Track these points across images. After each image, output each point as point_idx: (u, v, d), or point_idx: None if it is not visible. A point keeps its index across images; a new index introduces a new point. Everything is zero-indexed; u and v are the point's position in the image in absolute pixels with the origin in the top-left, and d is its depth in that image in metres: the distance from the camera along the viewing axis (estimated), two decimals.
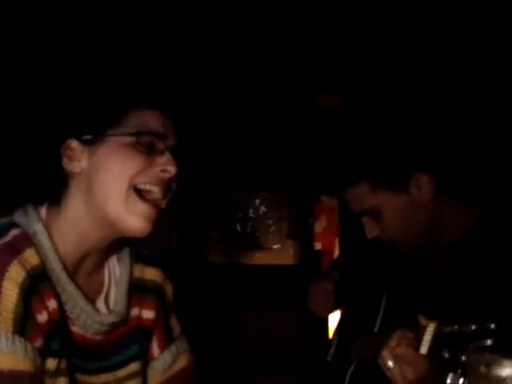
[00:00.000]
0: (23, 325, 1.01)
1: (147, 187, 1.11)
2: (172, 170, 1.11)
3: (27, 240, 1.07)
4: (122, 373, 1.20)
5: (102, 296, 1.18)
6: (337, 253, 3.82)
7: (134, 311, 1.24)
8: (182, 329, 1.34)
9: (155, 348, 1.28)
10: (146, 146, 1.11)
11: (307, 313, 1.86)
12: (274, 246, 3.79)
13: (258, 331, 3.17)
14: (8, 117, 3.11)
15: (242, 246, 3.73)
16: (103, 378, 1.17)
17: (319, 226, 3.87)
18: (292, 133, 3.69)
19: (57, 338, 1.07)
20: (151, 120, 1.12)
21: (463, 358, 1.11)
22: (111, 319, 1.15)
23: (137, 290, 1.24)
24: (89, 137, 1.11)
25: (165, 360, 1.28)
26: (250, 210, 3.76)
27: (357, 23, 3.13)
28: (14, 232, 1.07)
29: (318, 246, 3.87)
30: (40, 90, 1.18)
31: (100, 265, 1.19)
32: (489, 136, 2.86)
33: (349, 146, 1.53)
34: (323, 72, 3.49)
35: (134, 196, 1.10)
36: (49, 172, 1.13)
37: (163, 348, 1.28)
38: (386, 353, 1.24)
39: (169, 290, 1.32)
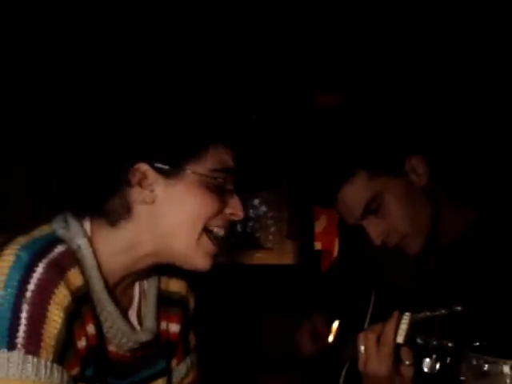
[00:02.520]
0: (64, 353, 0.97)
1: (216, 230, 1.09)
2: (241, 215, 1.11)
3: (72, 258, 1.01)
4: None
5: (134, 310, 1.15)
6: (337, 253, 3.82)
7: (162, 325, 1.22)
8: (197, 342, 1.32)
9: (174, 360, 1.26)
10: (220, 186, 1.08)
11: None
12: (274, 246, 3.79)
13: (257, 331, 3.17)
14: (11, 119, 3.13)
15: (242, 246, 3.73)
16: None
17: (319, 226, 3.87)
18: (292, 133, 3.69)
19: (92, 364, 1.04)
20: (228, 157, 1.10)
21: (434, 342, 1.12)
22: (146, 337, 1.12)
23: (163, 303, 1.22)
24: (165, 166, 1.05)
25: (180, 372, 1.27)
26: (250, 210, 3.76)
27: (357, 23, 3.13)
28: (59, 248, 1.00)
29: (318, 245, 3.88)
30: (117, 106, 1.08)
31: (133, 284, 1.16)
32: (486, 135, 2.86)
33: (339, 140, 1.50)
34: (323, 72, 3.50)
35: (206, 238, 1.08)
36: (107, 190, 1.06)
37: (180, 361, 1.27)
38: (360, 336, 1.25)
39: (192, 301, 1.30)
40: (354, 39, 3.21)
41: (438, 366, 1.12)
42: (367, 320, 1.60)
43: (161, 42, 3.09)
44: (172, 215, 1.06)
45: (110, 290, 1.07)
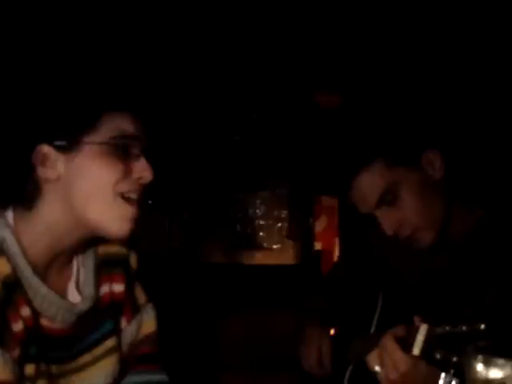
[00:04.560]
0: (0, 336, 1.02)
1: (127, 194, 1.12)
2: (149, 176, 1.13)
3: None
4: (99, 351, 1.21)
5: (73, 282, 1.18)
6: (337, 253, 3.83)
7: (105, 288, 1.24)
8: (148, 297, 1.34)
9: (123, 321, 1.28)
10: (122, 151, 1.11)
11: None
12: (274, 246, 3.79)
13: (258, 331, 3.17)
14: None
15: (242, 246, 3.74)
16: (81, 360, 1.18)
17: (319, 226, 3.87)
18: (292, 133, 3.69)
19: (33, 344, 1.08)
20: (124, 123, 1.12)
21: (455, 358, 1.11)
22: (85, 307, 1.16)
23: (105, 266, 1.25)
24: (63, 143, 1.10)
25: (131, 331, 1.29)
26: (250, 210, 3.76)
27: (356, 23, 3.13)
28: None
29: (317, 245, 3.88)
30: (9, 90, 1.13)
31: (70, 259, 1.19)
32: (496, 133, 2.87)
33: (359, 126, 1.52)
34: (323, 71, 3.50)
35: (120, 202, 1.11)
36: (19, 177, 1.11)
37: (130, 319, 1.29)
38: (371, 357, 1.24)
39: (133, 259, 1.31)
40: (354, 38, 3.21)
41: (454, 382, 1.11)
42: (374, 323, 1.60)
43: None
44: (78, 188, 1.10)
45: (41, 272, 1.11)
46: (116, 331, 1.25)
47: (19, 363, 1.05)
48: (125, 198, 1.12)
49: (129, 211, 1.12)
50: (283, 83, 3.61)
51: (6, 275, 1.05)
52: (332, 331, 1.75)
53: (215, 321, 3.17)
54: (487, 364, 0.88)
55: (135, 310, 1.30)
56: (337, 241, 3.85)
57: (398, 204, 1.44)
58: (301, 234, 3.82)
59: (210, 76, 3.49)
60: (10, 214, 1.12)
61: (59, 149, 1.10)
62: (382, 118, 1.52)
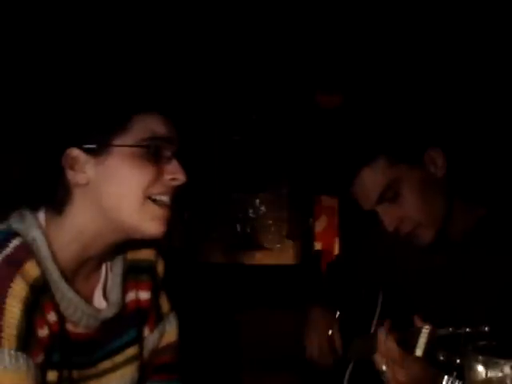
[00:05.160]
0: (26, 341, 0.99)
1: (159, 197, 1.10)
2: (181, 177, 1.11)
3: (28, 250, 1.04)
4: (119, 358, 1.20)
5: (100, 288, 1.17)
6: (337, 253, 3.83)
7: (131, 295, 1.23)
8: (172, 306, 1.33)
9: (146, 329, 1.27)
10: (153, 154, 1.09)
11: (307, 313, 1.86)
12: (274, 246, 3.79)
13: (257, 331, 3.17)
14: (8, 117, 3.12)
15: (242, 246, 3.74)
16: (102, 366, 1.17)
17: (319, 226, 3.87)
18: (292, 133, 3.69)
19: (57, 350, 1.06)
20: (156, 125, 1.10)
21: (458, 360, 1.11)
22: (111, 313, 1.15)
23: (132, 272, 1.23)
24: (93, 146, 1.07)
25: (153, 339, 1.27)
26: (250, 210, 3.76)
27: (357, 23, 3.13)
28: (14, 242, 1.04)
29: (318, 245, 3.88)
30: (39, 94, 1.12)
31: (98, 264, 1.18)
32: (497, 132, 2.88)
33: (362, 124, 1.53)
34: (324, 72, 3.50)
35: (150, 204, 1.09)
36: (49, 180, 1.09)
37: (153, 328, 1.28)
38: (378, 358, 1.25)
39: (160, 267, 1.30)
40: (355, 39, 3.21)
41: (457, 383, 1.12)
42: (375, 321, 1.61)
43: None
44: (109, 191, 1.08)
45: (69, 277, 1.09)
46: (139, 340, 1.23)
47: (42, 369, 1.03)
48: (156, 200, 1.10)
49: (160, 212, 1.10)
50: (283, 83, 3.61)
51: (35, 278, 1.03)
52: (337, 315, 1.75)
53: (214, 321, 3.17)
54: (487, 364, 0.88)
55: (159, 319, 1.29)
56: (337, 241, 3.85)
57: (400, 201, 1.45)
58: (301, 233, 3.82)
59: (209, 76, 3.49)
60: (41, 216, 1.10)
61: (89, 152, 1.07)
62: (385, 116, 1.54)
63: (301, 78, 3.58)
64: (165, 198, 1.11)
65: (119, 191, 1.08)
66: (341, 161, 1.51)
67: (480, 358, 0.89)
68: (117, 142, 1.08)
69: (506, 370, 0.87)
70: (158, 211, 1.10)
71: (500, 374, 0.88)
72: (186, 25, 3.16)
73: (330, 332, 1.73)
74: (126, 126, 1.08)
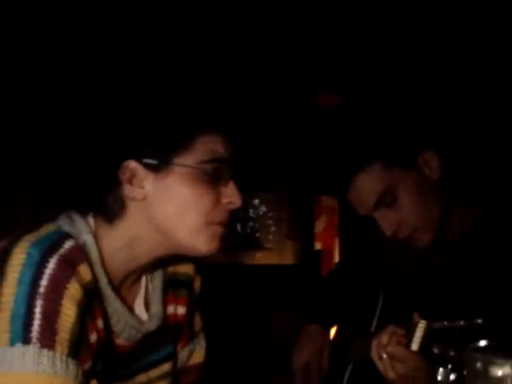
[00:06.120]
0: (77, 347, 0.96)
1: (216, 227, 1.09)
2: (238, 202, 1.09)
3: (81, 253, 1.01)
4: (155, 373, 1.17)
5: (141, 299, 1.15)
6: (337, 253, 3.83)
7: (170, 309, 1.20)
8: (203, 325, 1.31)
9: (179, 345, 1.25)
10: (213, 176, 1.06)
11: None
12: (274, 246, 3.80)
13: (257, 331, 3.17)
14: (11, 118, 3.13)
15: (242, 246, 3.74)
16: (138, 379, 1.14)
17: (319, 226, 3.88)
18: (292, 133, 3.69)
19: (101, 359, 1.03)
20: (217, 146, 1.07)
21: (452, 353, 1.11)
22: (153, 326, 1.12)
23: (172, 286, 1.21)
24: (153, 161, 1.04)
25: (182, 357, 1.26)
26: (250, 210, 3.76)
27: (357, 23, 3.13)
28: (68, 243, 1.00)
29: (317, 245, 3.88)
30: (108, 102, 1.08)
31: (140, 275, 1.15)
32: (492, 133, 2.88)
33: (357, 128, 1.52)
34: (324, 72, 3.50)
35: (209, 228, 1.08)
36: (103, 189, 1.06)
37: (184, 345, 1.26)
38: (375, 349, 1.24)
39: (197, 283, 1.28)
40: (355, 39, 3.22)
41: (452, 376, 1.12)
42: (374, 322, 1.61)
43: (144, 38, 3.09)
44: (167, 210, 1.05)
45: (115, 286, 1.07)
46: (174, 355, 1.21)
47: (87, 377, 0.99)
48: (215, 223, 1.08)
49: (218, 232, 1.09)
50: (283, 83, 3.61)
51: (88, 281, 0.99)
52: (333, 331, 1.75)
53: (214, 321, 3.17)
54: (487, 363, 0.88)
55: (190, 337, 1.27)
56: (337, 241, 3.85)
57: (396, 205, 1.44)
58: (301, 234, 3.82)
59: (209, 75, 3.49)
60: (91, 221, 1.07)
61: (148, 167, 1.04)
62: (379, 120, 1.53)
63: (301, 77, 3.58)
64: (222, 221, 1.09)
65: (177, 211, 1.05)
66: (337, 165, 1.51)
67: (480, 357, 0.89)
68: (178, 160, 1.04)
69: (506, 369, 0.87)
70: (218, 233, 1.09)
71: (500, 374, 0.88)
72: (186, 25, 3.17)
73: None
74: (189, 145, 1.05)
